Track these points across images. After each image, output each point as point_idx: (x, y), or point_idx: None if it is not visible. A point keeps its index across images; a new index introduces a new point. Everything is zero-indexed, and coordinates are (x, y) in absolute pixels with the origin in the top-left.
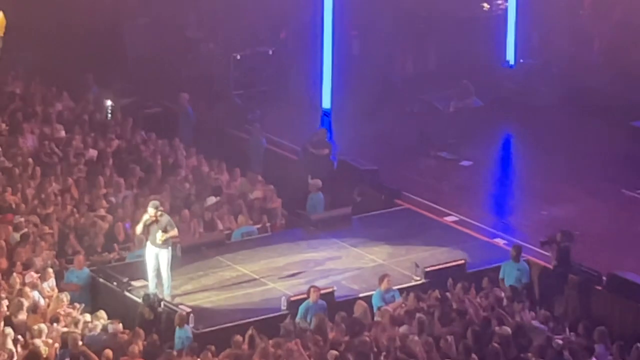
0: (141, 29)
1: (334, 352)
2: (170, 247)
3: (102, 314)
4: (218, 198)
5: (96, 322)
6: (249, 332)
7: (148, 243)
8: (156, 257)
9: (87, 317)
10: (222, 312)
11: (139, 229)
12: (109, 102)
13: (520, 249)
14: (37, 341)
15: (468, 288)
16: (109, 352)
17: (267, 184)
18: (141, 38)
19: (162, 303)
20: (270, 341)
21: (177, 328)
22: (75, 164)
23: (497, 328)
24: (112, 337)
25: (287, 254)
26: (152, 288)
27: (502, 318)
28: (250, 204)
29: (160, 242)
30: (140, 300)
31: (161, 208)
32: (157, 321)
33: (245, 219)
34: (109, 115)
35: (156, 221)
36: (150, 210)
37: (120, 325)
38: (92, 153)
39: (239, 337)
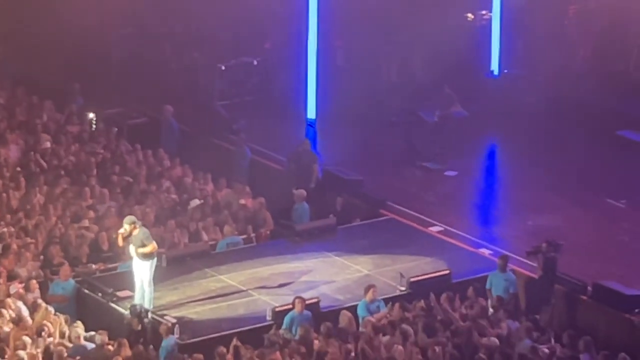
0: (126, 39)
1: None
2: (153, 260)
3: (79, 324)
4: (202, 201)
5: (77, 333)
6: (233, 342)
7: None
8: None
9: (73, 328)
10: (207, 323)
11: (119, 241)
12: (93, 113)
13: (507, 258)
14: (22, 353)
15: (453, 298)
16: None
17: (255, 196)
18: (126, 48)
19: (148, 314)
20: (255, 352)
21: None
22: (59, 175)
23: (484, 339)
24: (98, 348)
25: (272, 265)
26: (137, 299)
27: (485, 328)
28: (235, 215)
29: (139, 256)
30: (126, 312)
31: (138, 223)
32: (143, 332)
33: (231, 230)
34: (94, 126)
35: (131, 235)
36: (125, 226)
37: (106, 336)
38: (72, 162)
39: (222, 349)
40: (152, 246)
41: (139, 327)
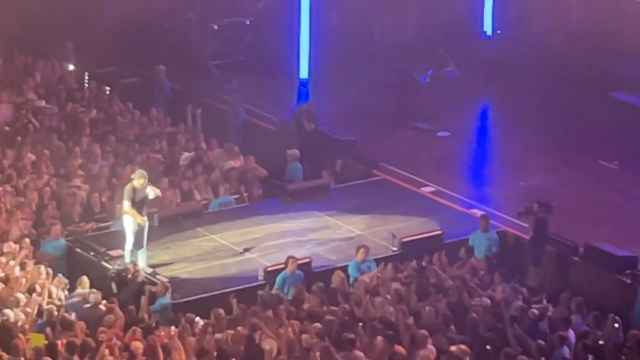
0: None
1: (318, 325)
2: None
3: (85, 281)
4: (192, 154)
5: (78, 290)
6: (231, 299)
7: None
8: (138, 226)
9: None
10: (199, 282)
11: (126, 205)
12: (86, 72)
13: (488, 218)
14: (8, 312)
15: (444, 258)
16: (82, 324)
17: (246, 155)
18: (119, 7)
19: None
20: (249, 310)
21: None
22: (51, 134)
23: (476, 299)
24: (92, 308)
25: (264, 225)
26: (128, 259)
27: (476, 289)
28: (227, 174)
29: (153, 198)
30: (117, 267)
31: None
32: (134, 291)
33: (225, 190)
34: (86, 85)
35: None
36: (141, 180)
37: (100, 296)
38: (64, 121)
39: (219, 310)
40: (158, 190)
41: (119, 288)
